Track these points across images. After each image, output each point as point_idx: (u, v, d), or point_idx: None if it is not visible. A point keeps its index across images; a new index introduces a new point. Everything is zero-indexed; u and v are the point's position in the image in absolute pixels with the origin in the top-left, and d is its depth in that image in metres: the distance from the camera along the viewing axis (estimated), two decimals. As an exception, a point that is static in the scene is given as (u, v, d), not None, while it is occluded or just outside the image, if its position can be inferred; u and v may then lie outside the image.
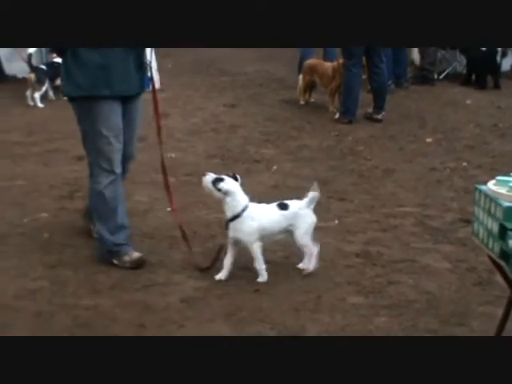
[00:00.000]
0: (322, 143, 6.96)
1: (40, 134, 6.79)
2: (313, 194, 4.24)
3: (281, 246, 4.64)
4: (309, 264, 4.25)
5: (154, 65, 8.56)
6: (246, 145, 6.82)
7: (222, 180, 4.13)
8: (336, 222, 5.09)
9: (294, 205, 4.26)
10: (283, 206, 4.23)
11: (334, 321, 3.78)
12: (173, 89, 8.73)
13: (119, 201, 4.30)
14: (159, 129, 4.44)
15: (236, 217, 4.13)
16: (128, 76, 4.17)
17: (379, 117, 7.70)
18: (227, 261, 4.20)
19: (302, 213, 4.23)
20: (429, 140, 7.17)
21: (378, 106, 7.74)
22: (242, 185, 4.22)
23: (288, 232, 4.26)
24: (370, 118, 7.73)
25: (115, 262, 4.26)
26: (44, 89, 7.86)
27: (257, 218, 4.15)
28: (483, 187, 3.15)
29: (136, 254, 4.28)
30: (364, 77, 7.94)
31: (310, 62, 8.19)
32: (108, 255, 4.29)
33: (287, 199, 5.41)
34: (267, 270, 4.28)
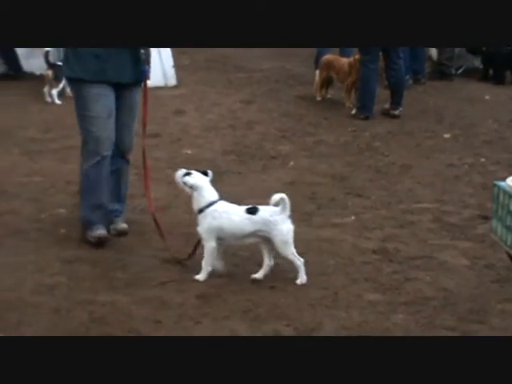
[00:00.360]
0: (339, 139, 6.93)
1: (57, 130, 6.81)
2: (281, 199, 4.07)
3: (296, 242, 4.62)
4: (301, 277, 4.11)
5: (171, 61, 8.61)
6: (263, 141, 6.80)
7: (190, 174, 4.15)
8: (353, 218, 5.07)
9: (264, 211, 4.09)
10: (251, 210, 4.09)
11: (350, 317, 3.77)
12: (189, 85, 8.72)
13: (102, 182, 4.45)
14: (144, 123, 4.51)
15: (200, 211, 4.13)
16: (121, 64, 4.32)
17: (396, 113, 7.65)
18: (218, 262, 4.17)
19: (273, 220, 4.05)
20: (446, 136, 7.11)
21: (396, 101, 7.69)
22: (211, 181, 4.22)
23: (261, 238, 4.11)
24: (387, 114, 7.68)
25: (90, 239, 4.42)
26: (61, 85, 7.86)
27: (218, 217, 4.09)
28: (501, 183, 3.12)
29: (100, 232, 4.41)
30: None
31: (326, 57, 8.14)
32: (84, 231, 4.46)
33: (303, 195, 5.45)
34: (284, 266, 4.27)
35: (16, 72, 8.73)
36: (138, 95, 4.54)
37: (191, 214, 4.97)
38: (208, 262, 4.10)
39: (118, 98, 4.44)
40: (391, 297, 3.98)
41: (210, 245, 4.10)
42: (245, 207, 4.15)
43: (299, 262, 4.11)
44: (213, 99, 8.18)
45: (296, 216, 5.05)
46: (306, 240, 4.68)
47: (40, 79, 8.11)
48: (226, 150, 6.51)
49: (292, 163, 6.21)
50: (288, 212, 4.09)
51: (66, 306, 3.78)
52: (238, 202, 5.27)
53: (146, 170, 4.59)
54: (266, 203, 5.25)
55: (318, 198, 5.43)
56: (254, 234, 4.10)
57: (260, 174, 5.97)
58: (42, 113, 7.46)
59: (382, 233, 4.83)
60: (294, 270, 4.24)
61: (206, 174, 4.21)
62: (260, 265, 4.32)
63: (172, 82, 8.66)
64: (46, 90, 7.85)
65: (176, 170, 5.80)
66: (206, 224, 4.10)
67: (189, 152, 6.43)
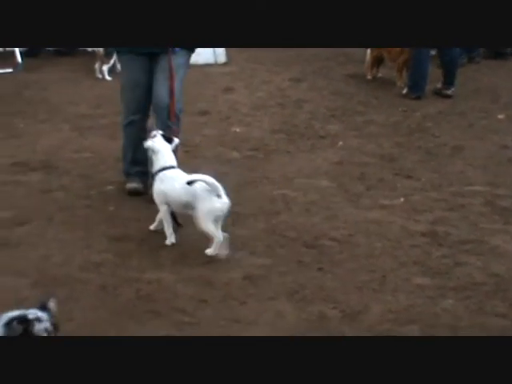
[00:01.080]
0: (389, 119, 6.81)
1: (107, 106, 6.83)
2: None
3: (344, 224, 4.59)
4: (218, 250, 4.05)
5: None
6: (312, 120, 6.72)
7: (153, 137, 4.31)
8: (402, 200, 4.99)
9: (200, 184, 4.04)
10: (189, 182, 4.08)
11: (397, 301, 3.72)
12: (238, 63, 8.67)
13: (134, 140, 4.81)
14: (171, 89, 4.60)
15: (153, 175, 4.28)
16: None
17: (449, 92, 7.47)
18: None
19: (201, 194, 4.01)
20: (501, 116, 6.92)
21: (448, 81, 7.50)
22: (175, 147, 4.36)
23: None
24: (439, 94, 7.51)
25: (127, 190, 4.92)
26: (112, 62, 7.89)
27: (165, 183, 4.19)
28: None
29: (133, 185, 4.87)
30: (433, 52, 7.70)
31: (378, 35, 7.98)
32: (124, 179, 4.98)
33: (352, 176, 5.38)
34: (331, 248, 4.24)
35: (68, 48, 8.79)
36: (174, 59, 4.59)
37: (238, 193, 4.99)
38: (168, 224, 4.23)
39: (153, 63, 4.70)
40: (440, 281, 3.91)
41: (161, 208, 4.23)
42: (187, 177, 4.16)
43: (218, 237, 4.04)
44: (262, 77, 8.12)
45: (344, 197, 5.04)
46: (354, 221, 4.63)
47: (91, 56, 8.15)
48: (274, 129, 6.46)
49: (341, 143, 6.13)
50: (218, 191, 4.01)
51: (113, 283, 3.82)
52: (286, 181, 5.28)
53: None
54: (313, 183, 5.26)
55: (367, 178, 5.36)
56: (190, 205, 4.08)
57: (308, 153, 5.90)
58: (93, 89, 7.51)
59: (431, 215, 4.74)
60: (343, 252, 4.21)
61: (170, 140, 4.33)
62: (307, 245, 4.30)
63: (222, 59, 8.62)
64: (96, 66, 7.90)
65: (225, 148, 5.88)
66: (155, 188, 4.26)
67: (237, 130, 6.40)
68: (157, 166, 4.28)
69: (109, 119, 6.46)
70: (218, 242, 4.05)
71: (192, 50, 4.81)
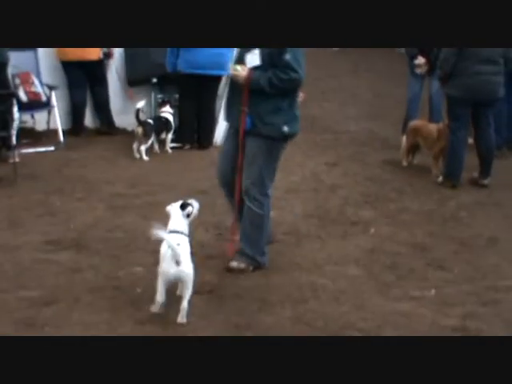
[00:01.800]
0: (423, 207, 6.76)
1: (142, 186, 6.93)
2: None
3: (372, 314, 4.50)
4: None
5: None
6: (345, 205, 6.71)
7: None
8: (433, 292, 4.89)
9: (165, 245, 4.27)
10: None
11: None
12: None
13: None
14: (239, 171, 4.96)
15: None
16: (232, 111, 5.00)
17: (485, 182, 7.43)
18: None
19: (164, 255, 4.27)
20: (538, 209, 6.83)
21: (485, 170, 7.47)
22: (187, 215, 4.50)
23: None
24: (475, 183, 7.47)
25: None
26: (150, 142, 8.04)
27: (163, 246, 4.30)
28: None
29: None
30: (471, 140, 7.68)
31: (414, 123, 8.04)
32: None
33: (383, 264, 5.32)
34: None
35: (109, 128, 9.00)
36: (253, 143, 4.88)
37: (265, 278, 4.96)
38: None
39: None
40: (470, 381, 3.78)
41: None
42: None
43: (158, 298, 4.31)
44: (297, 160, 8.16)
45: (373, 286, 4.97)
46: (382, 312, 4.55)
47: (130, 135, 8.33)
48: (307, 214, 6.45)
49: (373, 230, 6.08)
50: (177, 258, 4.18)
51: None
52: (315, 267, 5.24)
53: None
54: (343, 270, 5.20)
55: (398, 268, 5.28)
56: None
57: (340, 239, 5.86)
58: (130, 168, 7.63)
59: (463, 310, 4.63)
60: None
61: (183, 207, 4.51)
62: (333, 336, 4.21)
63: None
64: (134, 146, 8.04)
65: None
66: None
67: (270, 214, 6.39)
68: (167, 229, 4.44)
69: (143, 199, 6.54)
70: (157, 302, 4.29)
71: (273, 139, 4.91)
